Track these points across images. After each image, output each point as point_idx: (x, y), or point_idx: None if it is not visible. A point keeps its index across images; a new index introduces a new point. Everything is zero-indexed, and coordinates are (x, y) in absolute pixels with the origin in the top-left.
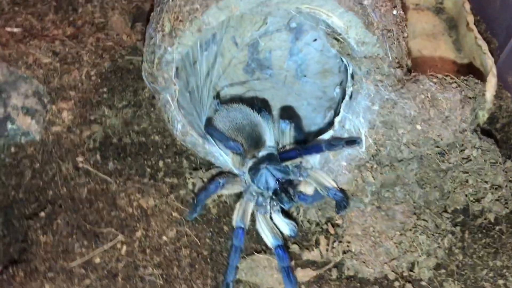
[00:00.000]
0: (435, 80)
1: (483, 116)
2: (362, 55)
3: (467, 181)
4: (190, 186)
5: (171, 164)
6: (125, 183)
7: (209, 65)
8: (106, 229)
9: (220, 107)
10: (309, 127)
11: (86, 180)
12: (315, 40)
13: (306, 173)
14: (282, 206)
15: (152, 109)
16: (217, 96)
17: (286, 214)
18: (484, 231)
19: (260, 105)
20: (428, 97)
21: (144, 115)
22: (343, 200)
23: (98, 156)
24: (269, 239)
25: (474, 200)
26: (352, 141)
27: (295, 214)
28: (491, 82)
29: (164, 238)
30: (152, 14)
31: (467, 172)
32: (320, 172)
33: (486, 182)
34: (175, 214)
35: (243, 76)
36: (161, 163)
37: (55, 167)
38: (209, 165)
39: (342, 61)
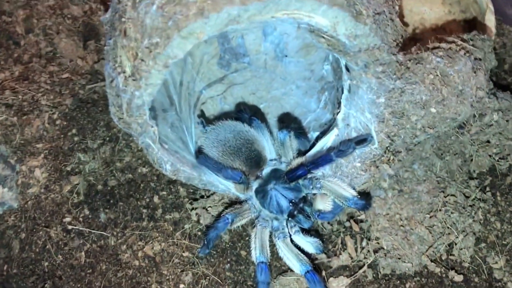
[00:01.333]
0: (441, 53)
1: None
2: (356, 50)
3: (488, 142)
4: (194, 218)
5: (167, 197)
6: (123, 232)
7: (180, 72)
8: None
9: (206, 128)
10: (304, 115)
11: (80, 242)
12: None
13: (320, 184)
14: (301, 226)
15: (130, 138)
16: (202, 115)
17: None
18: None
19: (250, 113)
20: (437, 75)
21: (124, 148)
22: (365, 206)
23: (86, 211)
24: (296, 266)
25: (499, 159)
26: (362, 140)
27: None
28: (491, 20)
29: (182, 286)
30: (105, 47)
31: (488, 135)
32: (334, 180)
33: (509, 139)
34: (186, 254)
35: (219, 71)
36: (156, 199)
37: (43, 234)
38: (210, 190)
39: None
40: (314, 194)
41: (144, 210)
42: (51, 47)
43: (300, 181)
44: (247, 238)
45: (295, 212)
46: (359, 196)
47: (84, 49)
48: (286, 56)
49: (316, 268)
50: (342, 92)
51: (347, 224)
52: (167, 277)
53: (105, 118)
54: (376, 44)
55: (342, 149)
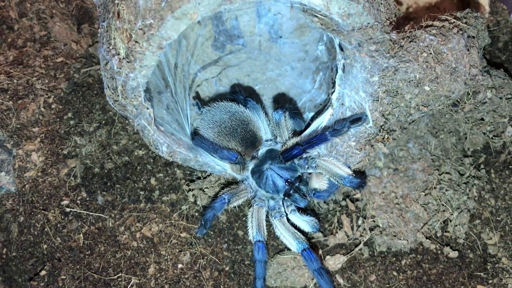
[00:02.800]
0: (434, 31)
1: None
2: (349, 29)
3: (482, 119)
4: (191, 199)
5: (164, 179)
6: (121, 214)
7: (175, 54)
8: (116, 275)
9: (202, 110)
10: (299, 96)
11: (79, 224)
12: None
13: (315, 163)
14: (297, 205)
15: (126, 121)
16: (197, 96)
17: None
18: (510, 166)
19: (245, 94)
20: (431, 53)
21: (121, 131)
22: (360, 185)
23: (84, 193)
24: (293, 245)
25: (493, 136)
26: (357, 119)
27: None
28: (484, 3)
29: (180, 265)
30: (99, 30)
31: (482, 112)
32: (329, 159)
33: (503, 116)
34: (183, 234)
35: (214, 53)
36: (153, 181)
37: (41, 217)
38: (206, 172)
39: None
40: (310, 173)
41: (141, 192)
42: (45, 31)
43: (296, 161)
44: (244, 219)
45: (291, 191)
46: (354, 175)
47: (78, 33)
48: (280, 37)
49: (312, 246)
50: (337, 72)
51: (343, 203)
52: (165, 258)
53: (101, 101)
54: (370, 23)
55: (337, 128)
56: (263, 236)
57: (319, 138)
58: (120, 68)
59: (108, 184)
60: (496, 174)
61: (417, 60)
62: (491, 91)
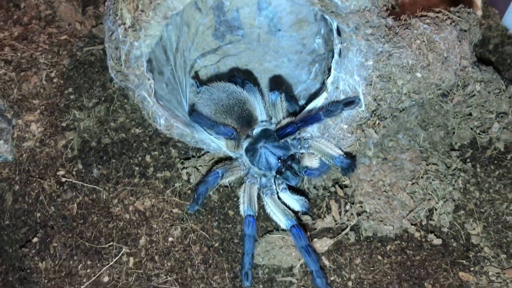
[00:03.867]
0: (428, 21)
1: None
2: (348, 11)
3: (470, 114)
4: (185, 177)
5: (159, 156)
6: (115, 188)
7: (176, 39)
8: (107, 244)
9: (200, 89)
10: (295, 86)
11: (73, 194)
12: None
13: (308, 144)
14: (289, 183)
15: (125, 100)
16: (196, 76)
17: (293, 187)
18: (495, 162)
19: (242, 77)
20: (424, 41)
21: (119, 109)
22: (351, 166)
23: (80, 165)
24: (282, 221)
25: (480, 132)
26: (350, 102)
27: (299, 183)
28: (477, 1)
29: (170, 239)
30: (106, 2)
31: (470, 106)
32: (321, 140)
33: (490, 112)
34: (175, 210)
35: (214, 42)
36: (148, 158)
37: (37, 186)
38: (201, 150)
39: None
40: (302, 153)
41: (136, 168)
42: (51, 10)
43: (289, 140)
44: (235, 199)
45: (283, 169)
46: (345, 155)
47: (83, 15)
48: (279, 30)
49: (301, 221)
50: (332, 59)
51: (332, 189)
52: (157, 231)
53: (101, 79)
54: (367, 6)
55: (330, 109)
56: (254, 211)
57: (313, 117)
58: (125, 37)
59: (104, 158)
60: (482, 169)
61: (410, 46)
62: (480, 84)
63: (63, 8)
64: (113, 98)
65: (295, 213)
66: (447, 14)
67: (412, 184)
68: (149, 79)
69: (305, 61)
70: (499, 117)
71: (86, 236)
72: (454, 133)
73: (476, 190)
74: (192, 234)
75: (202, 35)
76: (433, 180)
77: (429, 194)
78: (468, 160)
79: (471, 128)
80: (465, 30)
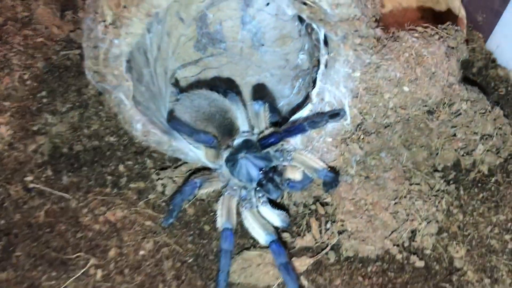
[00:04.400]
0: (416, 34)
1: None
2: (337, 19)
3: (455, 135)
4: (159, 189)
5: (133, 166)
6: (86, 197)
7: (157, 48)
8: (74, 254)
9: (180, 96)
10: (278, 100)
11: (40, 202)
12: (268, 4)
13: (290, 156)
14: (269, 196)
15: (100, 107)
16: (176, 83)
17: (273, 202)
18: (479, 185)
19: (225, 87)
20: (412, 54)
21: (93, 116)
22: (334, 180)
23: (49, 171)
24: (261, 236)
25: (464, 154)
26: (335, 114)
27: (279, 198)
28: (462, 24)
29: (142, 252)
30: (86, 1)
31: (455, 126)
32: (305, 153)
33: (475, 133)
34: (148, 223)
35: (195, 54)
36: (121, 168)
37: (3, 191)
38: (178, 161)
39: (302, 23)
40: (284, 165)
41: (109, 177)
42: (28, 12)
43: (271, 152)
44: (212, 214)
45: (264, 181)
46: (329, 169)
47: (61, 19)
48: (262, 45)
49: (281, 239)
50: (313, 84)
51: (313, 207)
52: (128, 243)
53: (77, 84)
54: (357, 15)
55: (315, 120)
56: (232, 224)
57: (297, 128)
58: (105, 35)
59: (75, 165)
60: (465, 191)
61: (398, 59)
62: (466, 103)
63: (41, 11)
64: (87, 104)
65: (275, 229)
66: (435, 30)
67: (395, 204)
68: (127, 80)
69: (288, 76)
70: (483, 139)
71: (53, 246)
72: (437, 154)
73: (459, 212)
74: (165, 248)
75: (183, 46)
76: (416, 200)
77: (412, 214)
78: (451, 182)
79: (455, 150)
80: (453, 47)
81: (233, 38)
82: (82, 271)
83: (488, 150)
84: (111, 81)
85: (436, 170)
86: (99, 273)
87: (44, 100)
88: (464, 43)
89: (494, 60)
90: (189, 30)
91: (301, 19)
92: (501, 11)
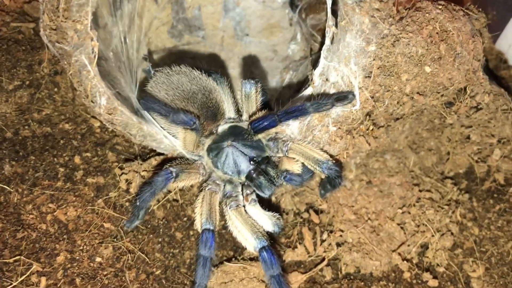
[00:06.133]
0: (441, 7)
1: None
2: None
3: (468, 138)
4: (123, 185)
5: (91, 158)
6: (31, 190)
7: (125, 30)
8: (12, 258)
9: (154, 72)
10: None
11: None
12: None
13: (287, 146)
14: (261, 193)
15: (55, 89)
16: (149, 57)
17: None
18: (495, 195)
19: (208, 67)
20: (436, 28)
21: (46, 98)
22: (338, 176)
23: None
24: (250, 241)
25: (479, 160)
26: (343, 98)
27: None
28: None
29: (98, 259)
30: None
31: (470, 127)
32: (304, 143)
33: (492, 135)
34: (107, 225)
35: (169, 41)
36: (77, 159)
37: None
38: (147, 154)
39: (293, 10)
40: (279, 157)
41: (61, 169)
42: None
43: (264, 141)
44: (185, 219)
45: (255, 174)
46: (333, 161)
47: None
48: (247, 35)
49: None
50: (313, 67)
51: (305, 215)
52: (81, 248)
53: (28, 59)
54: None
55: (320, 102)
56: (214, 225)
57: (298, 109)
58: None
59: (21, 153)
60: (479, 203)
61: (421, 32)
62: (488, 95)
63: None
64: (40, 84)
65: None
66: (458, 6)
67: (402, 213)
68: (92, 39)
69: (276, 68)
70: (500, 143)
71: None
72: (448, 159)
73: (474, 226)
74: (128, 256)
75: (156, 31)
76: (427, 209)
77: (423, 225)
78: (463, 191)
79: (468, 155)
80: (478, 30)
81: (213, 26)
82: (21, 278)
83: (505, 156)
84: (72, 38)
85: (446, 177)
86: (43, 282)
87: None
88: (486, 27)
89: (505, 61)
90: (163, 14)
91: (292, 6)
92: None
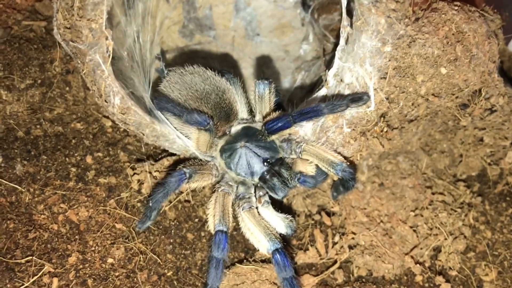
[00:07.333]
0: (456, 8)
1: None
2: None
3: (481, 140)
4: (135, 186)
5: (103, 158)
6: (43, 190)
7: (138, 29)
8: (24, 258)
9: (168, 72)
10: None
11: None
12: None
13: (300, 148)
14: (274, 195)
15: (67, 88)
16: (162, 56)
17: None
18: (507, 199)
19: (220, 66)
20: (452, 29)
21: (58, 97)
22: (352, 178)
23: None
24: (263, 243)
25: (491, 162)
26: (358, 99)
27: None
28: None
29: (110, 260)
30: None
31: (484, 129)
32: (317, 144)
33: (505, 138)
34: (119, 226)
35: (180, 40)
36: (89, 159)
37: None
38: (159, 154)
39: (305, 10)
40: (293, 159)
41: (73, 169)
42: None
43: (277, 142)
44: (196, 220)
45: (268, 176)
46: (348, 163)
47: None
48: (258, 35)
49: (286, 246)
50: (326, 68)
51: (317, 216)
52: (92, 248)
53: (40, 58)
54: None
55: (335, 103)
56: (227, 226)
57: (312, 110)
58: None
59: (32, 153)
60: (491, 206)
61: (437, 33)
62: (503, 97)
63: None
64: (52, 83)
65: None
66: (474, 8)
67: (415, 215)
68: (107, 38)
69: (288, 68)
70: None
71: None
72: (461, 161)
73: (487, 229)
74: (139, 257)
75: (167, 30)
76: (440, 212)
77: (435, 228)
78: (476, 194)
79: (481, 157)
80: (493, 31)
81: (225, 26)
82: (33, 279)
83: None
84: (86, 37)
85: (459, 180)
86: (55, 283)
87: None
88: (500, 29)
89: None
90: (175, 13)
91: (304, 6)
92: None
